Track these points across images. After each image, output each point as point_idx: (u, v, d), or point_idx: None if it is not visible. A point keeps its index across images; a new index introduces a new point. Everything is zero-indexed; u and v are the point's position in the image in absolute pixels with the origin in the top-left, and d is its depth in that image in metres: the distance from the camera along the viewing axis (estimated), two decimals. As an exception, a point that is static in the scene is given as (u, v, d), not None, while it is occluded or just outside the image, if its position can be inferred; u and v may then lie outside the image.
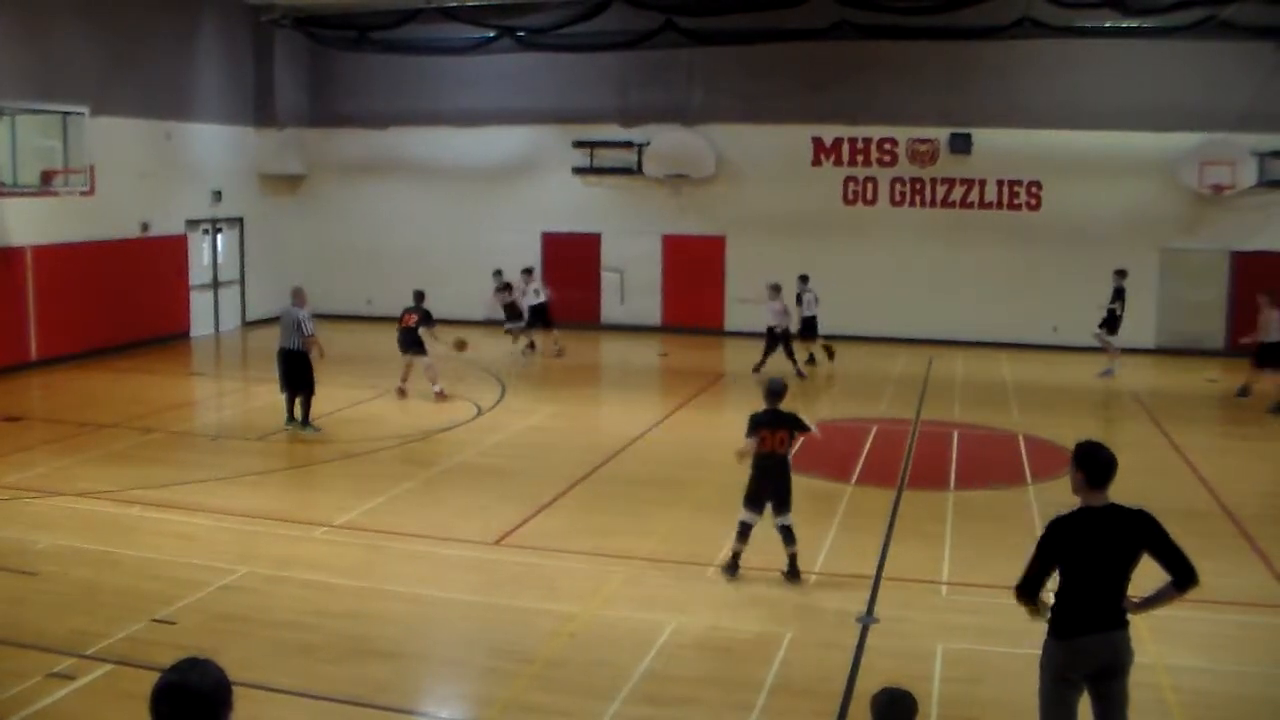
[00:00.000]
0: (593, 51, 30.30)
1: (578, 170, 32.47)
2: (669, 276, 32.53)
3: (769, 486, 12.25)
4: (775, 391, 12.24)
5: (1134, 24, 27.72)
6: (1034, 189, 30.60)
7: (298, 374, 18.93)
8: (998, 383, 25.40)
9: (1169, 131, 29.15)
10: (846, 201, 31.36)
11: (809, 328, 26.38)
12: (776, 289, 25.28)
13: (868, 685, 7.39)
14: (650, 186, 31.98)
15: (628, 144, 31.96)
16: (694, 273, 32.21)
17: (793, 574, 12.23)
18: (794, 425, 12.24)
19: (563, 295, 29.82)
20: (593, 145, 32.22)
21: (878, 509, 15.27)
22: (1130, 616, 7.29)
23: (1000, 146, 30.29)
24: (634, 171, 31.93)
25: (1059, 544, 7.33)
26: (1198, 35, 27.18)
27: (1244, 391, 23.90)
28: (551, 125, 32.36)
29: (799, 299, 26.25)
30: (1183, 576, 7.13)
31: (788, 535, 12.22)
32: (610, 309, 32.86)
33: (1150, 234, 29.93)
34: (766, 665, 10.12)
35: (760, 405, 12.36)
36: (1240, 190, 29.07)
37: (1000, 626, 11.20)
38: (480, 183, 33.14)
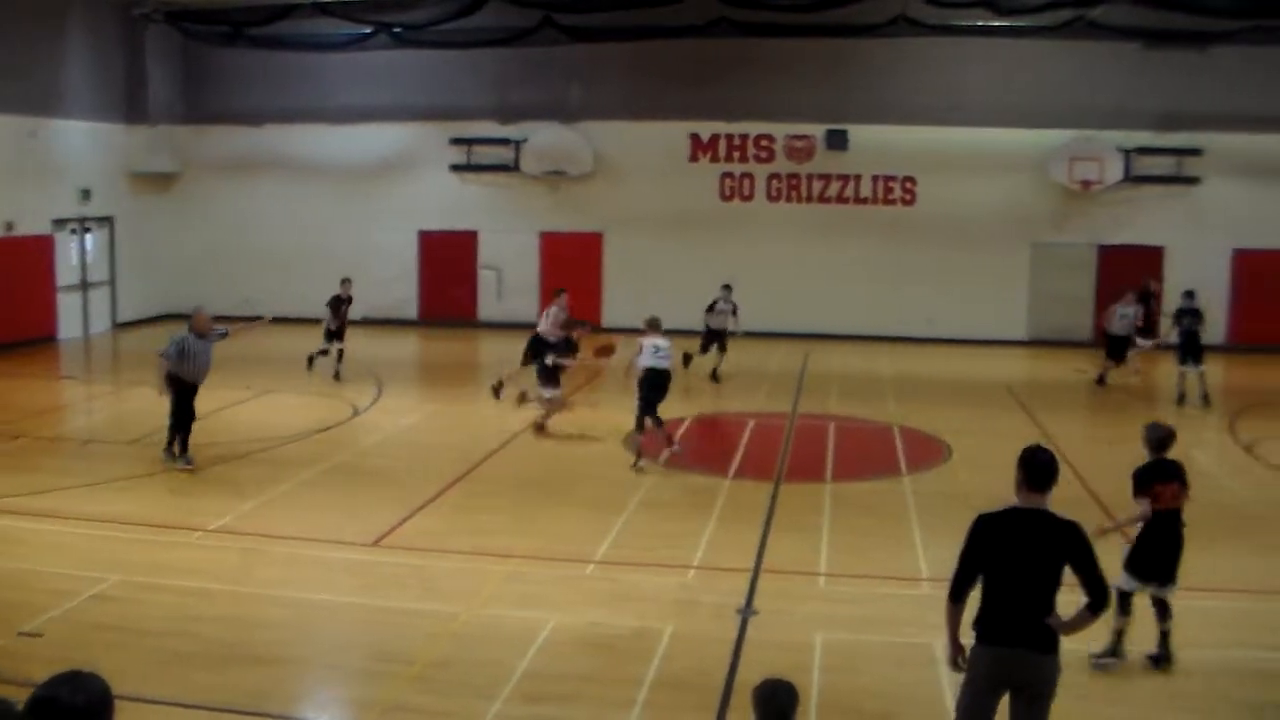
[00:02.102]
0: (471, 48, 30.12)
1: (455, 168, 32.35)
2: (546, 274, 32.46)
3: (1166, 550, 10.28)
4: (1162, 440, 10.45)
5: (1006, 23, 28.30)
6: (909, 185, 31.10)
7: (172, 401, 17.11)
8: (874, 375, 25.73)
9: (1040, 129, 29.84)
10: (724, 197, 31.61)
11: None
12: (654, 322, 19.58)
13: (748, 677, 7.47)
14: (528, 184, 31.95)
15: (505, 141, 31.89)
16: (571, 270, 32.14)
17: (1162, 657, 10.22)
18: (1184, 477, 10.40)
19: (440, 293, 29.72)
20: (470, 143, 32.12)
21: (756, 502, 15.35)
22: (1061, 639, 7.19)
23: (876, 143, 30.72)
24: (511, 169, 31.89)
25: (982, 542, 7.27)
26: (1067, 35, 27.96)
27: (1101, 380, 24.91)
28: (429, 122, 32.18)
29: (712, 306, 24.93)
30: (1096, 599, 7.04)
31: (1163, 610, 10.26)
32: (487, 307, 32.75)
33: (1022, 229, 30.62)
34: (647, 660, 10.12)
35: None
36: (1108, 186, 29.83)
37: (878, 616, 11.40)
38: (357, 180, 32.81)
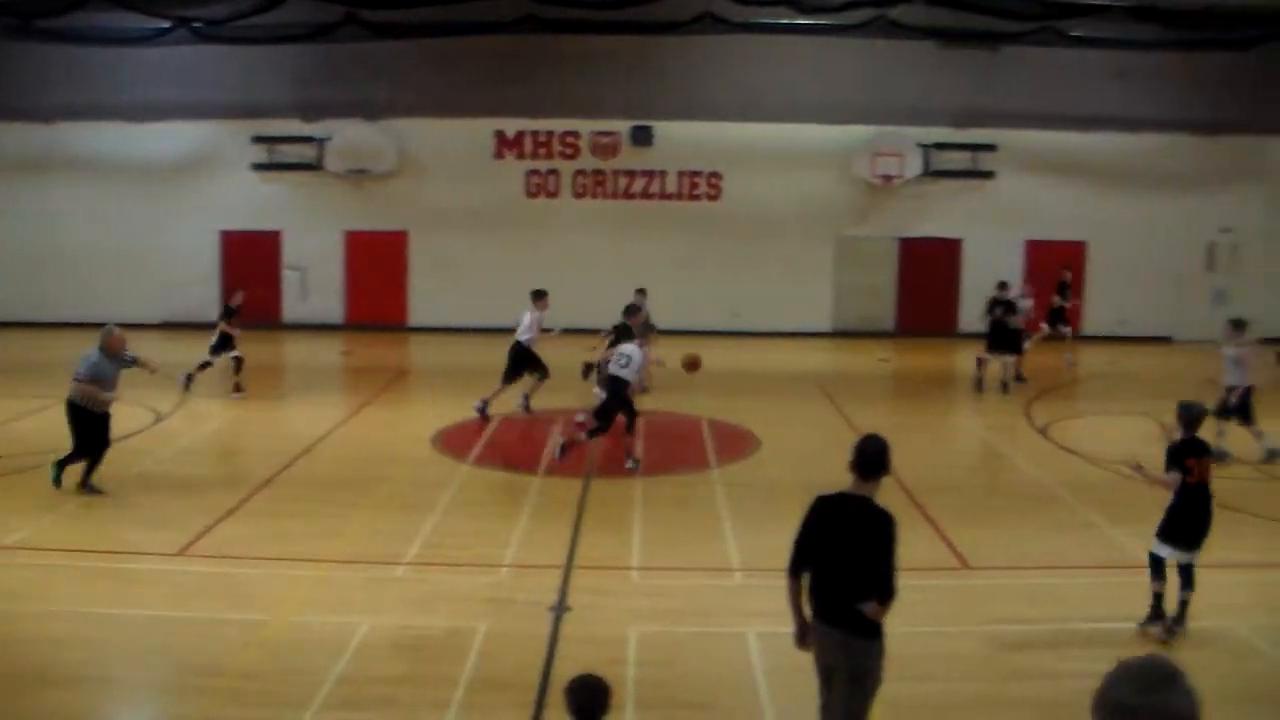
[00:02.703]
0: (272, 44, 29.44)
1: (257, 166, 31.67)
2: (351, 273, 32.12)
3: (1197, 521, 10.75)
4: (1196, 419, 10.95)
5: (809, 21, 28.89)
6: (714, 180, 31.52)
7: (73, 428, 15.52)
8: (681, 369, 25.95)
9: (842, 125, 30.53)
10: (529, 194, 31.64)
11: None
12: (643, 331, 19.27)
13: (564, 673, 7.50)
14: (331, 182, 31.49)
15: (308, 139, 31.35)
16: (377, 269, 31.90)
17: (1180, 621, 10.74)
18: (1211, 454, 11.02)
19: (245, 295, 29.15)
20: (272, 141, 31.48)
21: (566, 499, 15.39)
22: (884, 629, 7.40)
23: (681, 139, 31.06)
24: (315, 167, 31.35)
25: (812, 521, 7.50)
26: (868, 34, 28.74)
27: (1019, 378, 24.64)
28: (230, 120, 31.42)
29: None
30: (881, 592, 7.22)
31: (1187, 579, 10.74)
32: (292, 308, 32.24)
33: (826, 222, 31.34)
34: (462, 660, 10.09)
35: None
36: (907, 180, 30.70)
37: (692, 608, 11.53)
38: (155, 180, 31.85)
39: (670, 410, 21.45)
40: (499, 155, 31.63)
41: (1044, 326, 26.41)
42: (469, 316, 30.83)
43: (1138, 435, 20.15)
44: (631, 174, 31.61)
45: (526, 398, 20.84)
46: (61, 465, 15.47)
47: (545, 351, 20.85)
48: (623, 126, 31.26)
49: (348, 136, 31.13)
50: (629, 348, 17.41)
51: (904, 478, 15.85)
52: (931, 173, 31.11)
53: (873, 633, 7.32)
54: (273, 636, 10.64)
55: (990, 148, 30.97)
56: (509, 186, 31.53)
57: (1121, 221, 30.94)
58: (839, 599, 7.34)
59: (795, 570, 7.60)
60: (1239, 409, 17.72)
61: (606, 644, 10.45)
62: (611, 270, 30.61)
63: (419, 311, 31.85)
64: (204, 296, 31.31)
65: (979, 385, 23.73)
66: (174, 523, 14.11)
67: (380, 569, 12.59)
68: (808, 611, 7.62)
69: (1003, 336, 23.60)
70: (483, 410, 20.13)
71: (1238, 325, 18.25)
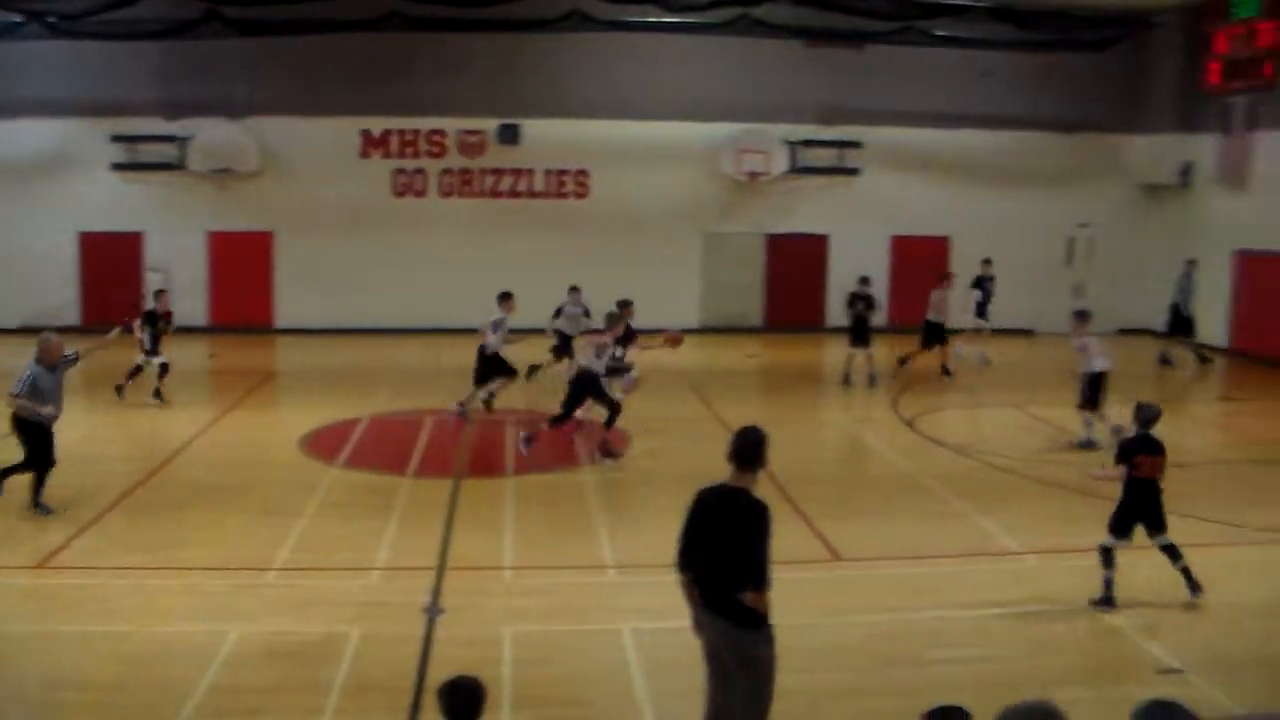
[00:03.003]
0: (132, 40, 28.72)
1: (117, 166, 30.88)
2: (215, 275, 31.53)
3: (1143, 512, 11.48)
4: (1151, 418, 11.60)
5: (676, 20, 29.15)
6: (581, 178, 31.52)
7: (21, 442, 15.17)
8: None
9: (709, 122, 30.75)
10: (396, 193, 31.32)
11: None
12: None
13: (439, 676, 7.44)
14: (195, 182, 30.83)
15: (170, 138, 30.65)
16: (242, 270, 31.36)
17: (1194, 586, 11.51)
18: (1164, 452, 11.61)
19: (104, 297, 28.53)
20: (133, 140, 30.70)
21: (437, 500, 15.33)
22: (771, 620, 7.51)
23: (548, 137, 30.98)
24: (177, 167, 30.64)
25: (693, 514, 7.62)
26: (734, 32, 29.25)
27: (903, 361, 25.18)
28: (88, 118, 30.49)
29: (558, 312, 24.11)
30: (753, 579, 7.33)
31: (1173, 552, 11.55)
32: (156, 310, 31.55)
33: (693, 219, 31.51)
34: (336, 665, 9.99)
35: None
36: (773, 177, 31.02)
37: (566, 606, 11.56)
38: (9, 180, 30.76)
39: (539, 409, 21.34)
40: (365, 154, 31.27)
41: (983, 322, 26.91)
42: (336, 318, 30.51)
43: (1003, 426, 20.69)
44: (499, 172, 31.48)
45: (463, 404, 20.71)
46: (4, 475, 14.97)
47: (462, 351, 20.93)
48: (490, 125, 31.10)
49: (211, 135, 30.49)
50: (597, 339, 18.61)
51: (775, 471, 15.98)
52: (798, 169, 31.41)
53: (755, 623, 7.42)
54: (139, 648, 10.43)
55: (856, 145, 31.37)
56: (375, 186, 31.20)
57: (984, 217, 31.48)
58: (721, 589, 7.46)
59: (682, 565, 7.71)
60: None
61: (481, 644, 10.44)
62: (479, 269, 30.44)
63: (285, 313, 31.39)
64: (63, 299, 30.54)
65: (846, 379, 24.05)
66: (34, 534, 13.79)
67: (250, 575, 12.40)
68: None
69: (864, 331, 23.98)
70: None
71: (1081, 316, 19.19)
